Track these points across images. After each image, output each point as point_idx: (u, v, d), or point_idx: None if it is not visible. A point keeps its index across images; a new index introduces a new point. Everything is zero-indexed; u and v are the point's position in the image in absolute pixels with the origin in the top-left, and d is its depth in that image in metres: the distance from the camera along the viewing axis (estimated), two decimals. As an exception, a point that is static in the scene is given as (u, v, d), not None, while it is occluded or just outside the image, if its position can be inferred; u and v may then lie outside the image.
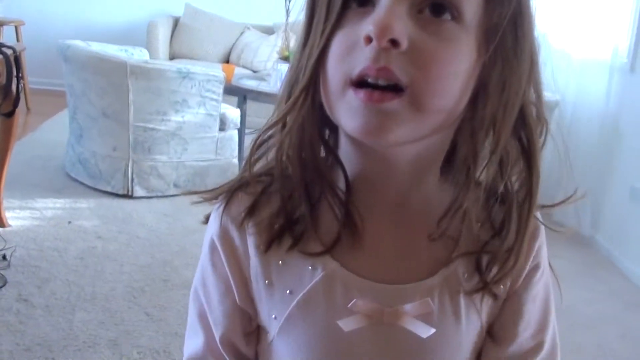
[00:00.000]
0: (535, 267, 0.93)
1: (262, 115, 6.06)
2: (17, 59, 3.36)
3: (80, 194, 4.46)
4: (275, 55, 6.47)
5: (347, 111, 0.75)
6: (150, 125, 4.36)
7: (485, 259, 0.86)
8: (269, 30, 7.16)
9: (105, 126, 4.42)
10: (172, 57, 7.04)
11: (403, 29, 0.70)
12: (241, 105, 5.01)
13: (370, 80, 0.72)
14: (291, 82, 0.83)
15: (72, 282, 3.27)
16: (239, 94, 5.09)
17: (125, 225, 4.04)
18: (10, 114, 3.55)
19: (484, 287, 0.86)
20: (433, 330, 0.84)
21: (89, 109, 4.45)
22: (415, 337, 0.84)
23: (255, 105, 5.32)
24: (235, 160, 4.76)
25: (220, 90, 4.49)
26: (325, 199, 0.85)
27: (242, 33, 7.18)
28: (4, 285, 3.19)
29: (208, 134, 4.55)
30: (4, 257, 3.43)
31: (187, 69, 4.35)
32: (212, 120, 4.53)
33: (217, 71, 4.55)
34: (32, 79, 6.80)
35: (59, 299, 3.10)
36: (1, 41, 4.42)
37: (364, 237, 0.85)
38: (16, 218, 3.96)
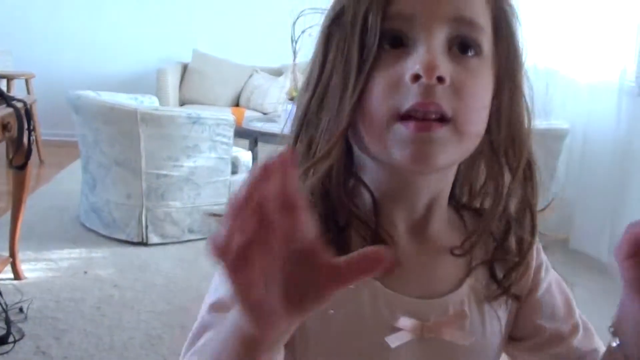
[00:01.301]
0: (539, 266, 1.00)
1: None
2: (28, 112, 3.38)
3: (96, 243, 4.46)
4: (285, 97, 6.50)
5: (397, 142, 0.80)
6: (163, 172, 4.37)
7: (497, 267, 0.94)
8: (277, 72, 7.19)
9: (118, 174, 4.44)
10: (182, 103, 7.07)
11: (446, 67, 0.78)
12: (252, 147, 5.03)
13: (418, 114, 0.79)
14: (302, 120, 0.90)
15: (90, 333, 3.26)
16: (250, 137, 5.11)
17: (141, 272, 4.03)
18: (22, 167, 3.56)
19: (505, 291, 0.94)
20: (473, 337, 0.91)
21: (101, 158, 4.47)
22: (453, 348, 0.90)
23: (267, 147, 5.33)
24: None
25: (231, 134, 4.50)
26: (352, 224, 0.88)
27: (250, 76, 7.22)
28: (22, 338, 3.18)
29: (221, 177, 4.55)
30: (21, 310, 3.42)
31: (197, 114, 4.37)
32: (224, 164, 4.54)
33: (227, 115, 4.57)
34: (44, 130, 6.84)
35: (77, 350, 3.09)
36: (12, 94, 4.45)
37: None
38: (32, 270, 3.96)
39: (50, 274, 3.94)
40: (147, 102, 5.12)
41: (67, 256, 4.23)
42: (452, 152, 0.81)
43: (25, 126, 3.36)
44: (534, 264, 0.98)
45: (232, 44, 7.50)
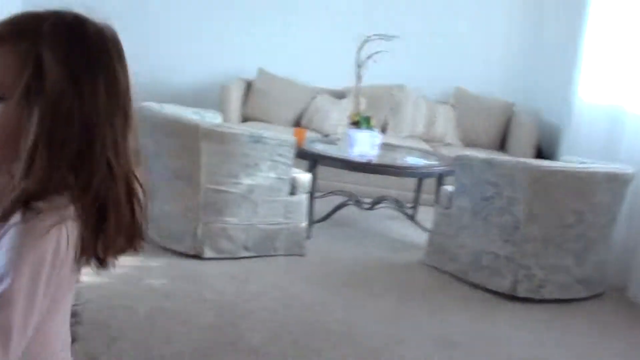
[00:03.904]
0: None
1: (332, 179, 6.10)
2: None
3: (151, 253, 4.49)
4: (346, 120, 6.51)
5: None
6: (222, 188, 4.41)
7: None
8: (340, 95, 7.20)
9: (178, 187, 4.48)
10: (244, 120, 7.11)
11: None
12: (312, 169, 5.03)
13: None
14: None
15: (140, 342, 3.29)
16: (310, 158, 5.12)
17: (193, 285, 4.06)
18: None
19: None
20: None
21: (161, 170, 4.52)
22: None
23: (325, 169, 5.34)
24: (305, 224, 4.76)
25: (291, 155, 4.52)
26: None
27: (313, 97, 7.24)
28: (74, 341, 3.20)
29: (278, 197, 4.57)
30: (75, 314, 3.46)
31: (259, 134, 4.40)
32: (283, 184, 4.55)
33: (289, 136, 4.59)
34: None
35: (127, 358, 3.12)
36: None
37: None
38: (87, 275, 3.99)
39: (106, 280, 3.97)
40: (210, 118, 5.16)
41: (123, 263, 4.24)
42: None
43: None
44: None
45: (297, 65, 7.53)
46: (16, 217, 1.14)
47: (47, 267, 1.16)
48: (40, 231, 1.14)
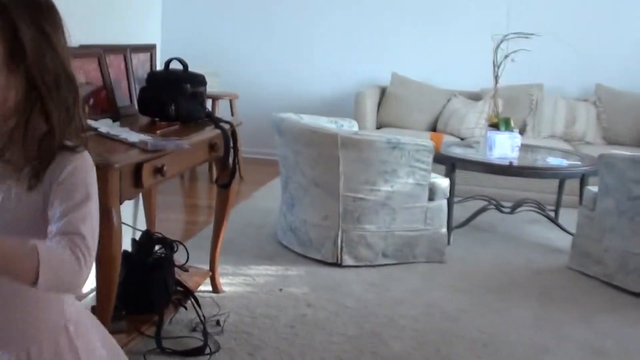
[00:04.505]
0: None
1: (471, 182, 6.02)
2: (234, 133, 3.49)
3: (291, 262, 4.55)
4: (484, 122, 6.40)
5: None
6: (360, 195, 4.40)
7: None
8: (476, 97, 7.09)
9: (316, 196, 4.51)
10: (379, 126, 7.11)
11: None
12: (450, 174, 4.96)
13: None
14: None
15: (283, 351, 3.32)
16: (447, 163, 5.05)
17: (334, 293, 4.07)
18: (227, 186, 3.68)
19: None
20: None
21: (300, 179, 4.56)
22: None
23: (463, 173, 5.26)
24: (444, 230, 4.69)
25: (430, 160, 4.47)
26: None
27: (449, 100, 7.16)
28: (217, 351, 3.28)
29: (417, 203, 4.52)
30: (218, 323, 3.53)
31: (397, 139, 4.36)
32: (422, 190, 4.51)
33: (426, 141, 4.53)
34: (244, 148, 7.08)
35: (271, 368, 3.15)
36: (217, 114, 4.62)
37: None
38: (230, 284, 4.08)
39: (247, 289, 4.05)
40: (346, 126, 5.18)
41: (264, 272, 4.34)
42: None
43: (231, 147, 3.47)
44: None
45: (431, 68, 7.48)
46: (61, 158, 1.42)
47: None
48: (88, 160, 1.47)
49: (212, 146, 3.36)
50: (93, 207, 1.44)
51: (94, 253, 1.37)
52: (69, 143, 1.45)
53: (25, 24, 1.35)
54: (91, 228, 1.41)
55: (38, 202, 1.42)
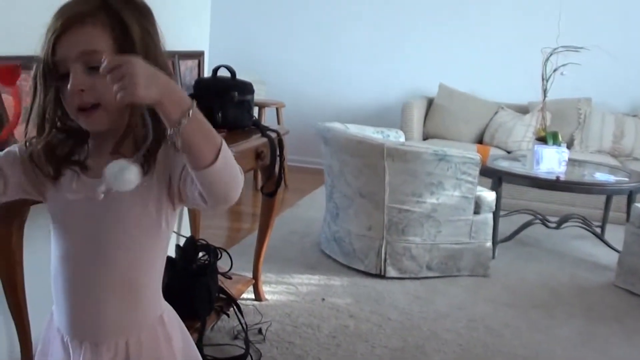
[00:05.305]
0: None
1: (517, 196, 5.97)
2: (281, 142, 3.49)
3: (334, 272, 4.53)
4: (531, 135, 6.34)
5: (80, 121, 1.45)
6: (405, 207, 4.38)
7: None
8: (523, 110, 7.03)
9: (361, 206, 4.49)
10: (425, 137, 7.08)
11: (84, 81, 1.38)
12: (496, 187, 4.92)
13: (82, 108, 1.42)
14: (42, 114, 1.48)
15: (325, 362, 3.31)
16: (494, 176, 5.01)
17: (377, 305, 4.05)
18: (272, 194, 3.69)
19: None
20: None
21: (345, 189, 4.55)
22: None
23: (508, 187, 5.21)
24: (490, 244, 4.65)
25: (476, 173, 4.42)
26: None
27: (496, 113, 7.10)
28: (259, 359, 3.27)
29: (462, 216, 4.49)
30: (260, 331, 3.53)
31: (444, 152, 4.33)
32: (467, 203, 4.47)
33: (473, 153, 4.49)
34: (289, 156, 7.09)
35: (312, 378, 3.14)
36: (264, 122, 4.63)
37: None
38: (272, 292, 4.08)
39: (290, 298, 4.04)
40: (392, 136, 5.16)
41: (307, 282, 4.33)
42: (105, 119, 1.43)
43: (277, 155, 3.47)
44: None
45: (479, 80, 7.43)
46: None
47: None
48: None
49: (258, 154, 3.36)
50: None
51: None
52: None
53: (133, 21, 1.42)
54: None
55: (152, 188, 1.47)
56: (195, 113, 1.26)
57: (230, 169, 1.34)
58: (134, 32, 1.41)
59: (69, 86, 1.38)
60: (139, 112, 1.42)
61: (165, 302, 1.68)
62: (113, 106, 1.39)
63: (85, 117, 1.43)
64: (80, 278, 1.52)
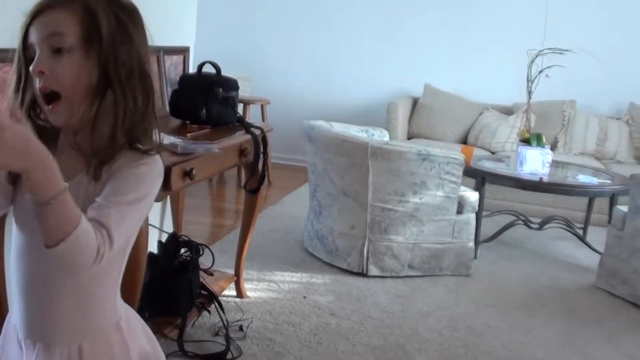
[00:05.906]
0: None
1: (500, 197, 6.00)
2: (265, 139, 3.48)
3: (317, 269, 4.53)
4: (515, 137, 6.36)
5: (47, 113, 1.45)
6: (388, 206, 4.38)
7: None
8: (508, 111, 7.06)
9: (345, 205, 4.50)
10: (410, 137, 7.09)
11: (46, 64, 1.38)
12: (479, 187, 4.94)
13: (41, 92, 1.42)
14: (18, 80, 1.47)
15: (305, 359, 3.30)
16: (477, 176, 5.02)
17: (358, 303, 4.05)
18: (255, 191, 3.68)
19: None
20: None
21: (329, 188, 4.55)
22: None
23: (491, 187, 5.22)
24: (472, 244, 4.66)
25: (460, 173, 4.43)
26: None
27: (480, 113, 7.13)
28: (240, 356, 3.27)
29: (445, 216, 4.49)
30: (241, 328, 3.53)
31: (427, 151, 4.34)
32: (450, 203, 4.48)
33: (457, 153, 4.50)
34: (273, 153, 7.09)
35: (293, 376, 3.14)
36: (248, 119, 4.62)
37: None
38: (254, 290, 4.08)
39: (272, 296, 4.04)
40: (377, 135, 5.17)
41: (289, 279, 4.33)
42: (68, 112, 1.42)
43: (261, 152, 3.47)
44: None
45: (464, 80, 7.45)
46: (132, 155, 1.46)
47: None
48: (157, 166, 1.50)
49: (242, 151, 3.35)
50: (136, 214, 1.44)
51: (107, 258, 1.33)
52: (141, 146, 1.47)
53: (103, 11, 1.41)
54: (124, 234, 1.40)
55: (98, 194, 1.42)
56: (63, 202, 1.24)
57: (72, 255, 1.28)
58: (103, 24, 1.41)
59: (30, 67, 1.39)
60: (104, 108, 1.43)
61: (127, 307, 1.65)
62: (72, 96, 1.41)
63: (49, 110, 1.43)
64: (34, 277, 1.49)
